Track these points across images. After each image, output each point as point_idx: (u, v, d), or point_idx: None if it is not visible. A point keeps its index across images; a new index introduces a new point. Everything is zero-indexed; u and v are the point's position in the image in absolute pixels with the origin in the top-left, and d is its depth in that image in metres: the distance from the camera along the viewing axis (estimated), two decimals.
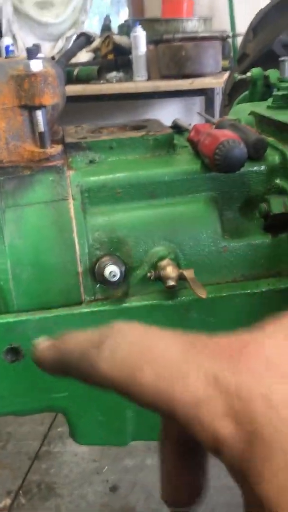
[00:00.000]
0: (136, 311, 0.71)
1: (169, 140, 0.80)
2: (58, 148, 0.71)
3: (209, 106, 3.09)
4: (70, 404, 0.74)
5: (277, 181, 0.76)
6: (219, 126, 0.83)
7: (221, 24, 3.38)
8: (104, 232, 0.71)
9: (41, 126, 0.68)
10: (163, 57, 2.94)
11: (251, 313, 0.73)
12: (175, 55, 2.88)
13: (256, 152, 0.74)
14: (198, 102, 3.60)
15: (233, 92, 1.79)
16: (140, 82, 3.04)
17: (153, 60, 3.07)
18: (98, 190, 0.72)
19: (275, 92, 0.89)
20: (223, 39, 3.07)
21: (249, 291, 0.72)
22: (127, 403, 0.77)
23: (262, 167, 0.75)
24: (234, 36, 3.12)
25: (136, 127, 0.86)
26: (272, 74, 1.15)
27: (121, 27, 3.54)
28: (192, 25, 3.12)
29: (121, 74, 3.14)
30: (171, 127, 0.94)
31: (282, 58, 1.10)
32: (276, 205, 0.72)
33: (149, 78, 3.10)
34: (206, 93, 3.02)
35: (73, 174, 0.72)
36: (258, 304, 0.73)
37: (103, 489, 1.70)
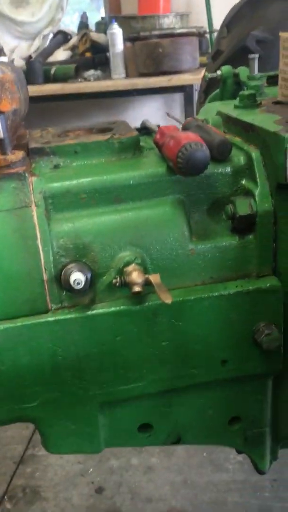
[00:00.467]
0: (103, 318, 0.70)
1: (134, 143, 0.79)
2: (19, 154, 0.70)
3: (188, 103, 3.08)
4: (40, 413, 0.73)
5: (243, 182, 0.76)
6: (185, 127, 0.83)
7: (199, 21, 3.36)
8: (69, 238, 0.70)
9: (1, 132, 0.67)
10: (140, 54, 2.92)
11: (220, 316, 0.73)
12: (152, 52, 2.86)
13: (220, 154, 0.74)
14: (178, 99, 3.59)
15: (208, 89, 1.78)
16: (118, 80, 3.02)
17: (130, 58, 3.05)
18: (62, 196, 0.71)
19: (242, 92, 0.88)
20: (200, 35, 3.06)
21: (217, 293, 0.72)
22: (99, 410, 0.77)
23: (227, 169, 0.75)
24: (211, 32, 3.11)
25: (102, 129, 0.85)
26: (242, 72, 1.15)
27: (98, 24, 3.51)
28: (169, 22, 3.11)
29: (98, 72, 3.11)
30: (139, 128, 0.93)
31: (251, 56, 1.10)
32: (242, 206, 0.72)
33: (127, 76, 3.08)
34: (185, 90, 3.01)
35: (36, 180, 0.71)
36: (227, 306, 0.73)
37: (89, 491, 1.69)
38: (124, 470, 1.76)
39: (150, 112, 3.71)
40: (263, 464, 0.85)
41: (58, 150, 0.76)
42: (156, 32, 2.96)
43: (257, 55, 1.10)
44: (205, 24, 3.24)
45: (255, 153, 0.74)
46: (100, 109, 3.65)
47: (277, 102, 0.90)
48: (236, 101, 0.89)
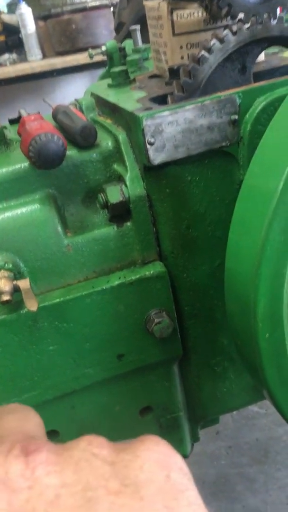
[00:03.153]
0: None
1: None
2: None
3: None
4: None
5: (115, 166, 0.71)
6: (53, 114, 0.78)
7: None
8: None
9: None
10: (54, 32, 2.80)
11: (107, 311, 0.69)
12: (65, 30, 2.75)
13: (84, 140, 0.69)
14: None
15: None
16: (35, 62, 2.89)
17: (45, 37, 2.92)
18: None
19: (113, 69, 0.83)
20: (113, 6, 2.95)
21: (99, 288, 0.68)
22: None
23: (94, 155, 0.70)
24: None
25: None
26: (128, 45, 1.09)
27: (9, 5, 3.34)
28: None
29: (14, 56, 2.97)
30: (13, 119, 0.87)
31: (132, 27, 1.04)
32: (113, 194, 0.68)
33: (45, 56, 2.95)
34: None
35: None
36: (112, 299, 0.69)
37: None
38: None
39: (78, 91, 3.59)
40: (183, 448, 0.84)
41: None
42: (67, 8, 2.83)
43: (138, 26, 1.04)
44: None
45: (121, 135, 0.70)
46: (26, 93, 3.51)
47: (153, 76, 0.86)
48: (109, 80, 0.84)
